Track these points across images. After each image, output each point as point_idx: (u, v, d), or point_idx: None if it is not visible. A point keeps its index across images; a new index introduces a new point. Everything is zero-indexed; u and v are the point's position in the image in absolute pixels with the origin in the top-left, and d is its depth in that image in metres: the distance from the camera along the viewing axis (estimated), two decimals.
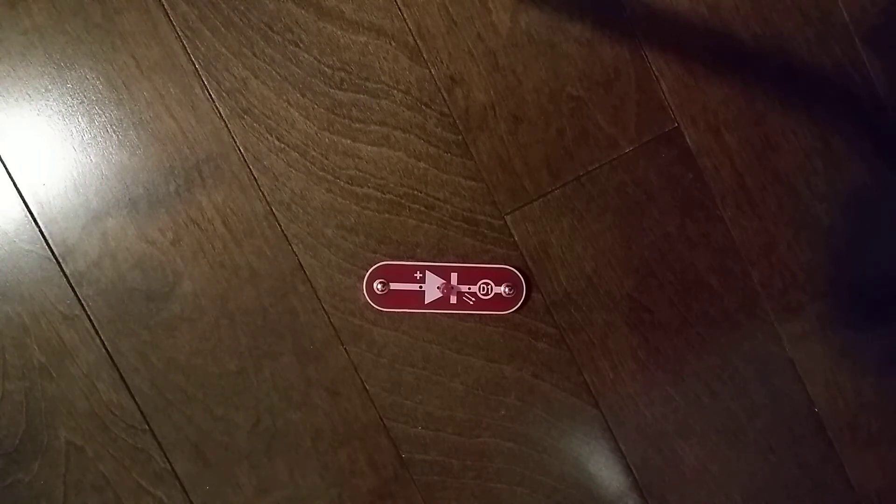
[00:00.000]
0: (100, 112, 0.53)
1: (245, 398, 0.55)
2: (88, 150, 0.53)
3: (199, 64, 0.53)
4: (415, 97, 0.55)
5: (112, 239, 0.54)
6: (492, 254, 0.56)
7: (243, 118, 0.54)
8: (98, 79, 0.53)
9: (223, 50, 0.53)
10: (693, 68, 0.56)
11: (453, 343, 0.56)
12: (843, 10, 0.57)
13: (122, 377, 0.54)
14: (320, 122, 0.54)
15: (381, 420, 0.56)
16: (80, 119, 0.53)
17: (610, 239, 0.56)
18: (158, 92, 0.53)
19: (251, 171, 0.54)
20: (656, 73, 0.56)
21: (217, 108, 0.54)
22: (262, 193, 0.54)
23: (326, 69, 0.54)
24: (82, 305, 0.54)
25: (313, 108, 0.54)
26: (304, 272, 0.55)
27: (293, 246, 0.55)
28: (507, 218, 0.56)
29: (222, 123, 0.54)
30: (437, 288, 0.55)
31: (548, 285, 0.56)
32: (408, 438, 0.56)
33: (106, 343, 0.54)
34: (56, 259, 0.53)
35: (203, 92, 0.54)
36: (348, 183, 0.55)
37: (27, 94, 0.53)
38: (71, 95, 0.53)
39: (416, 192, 0.55)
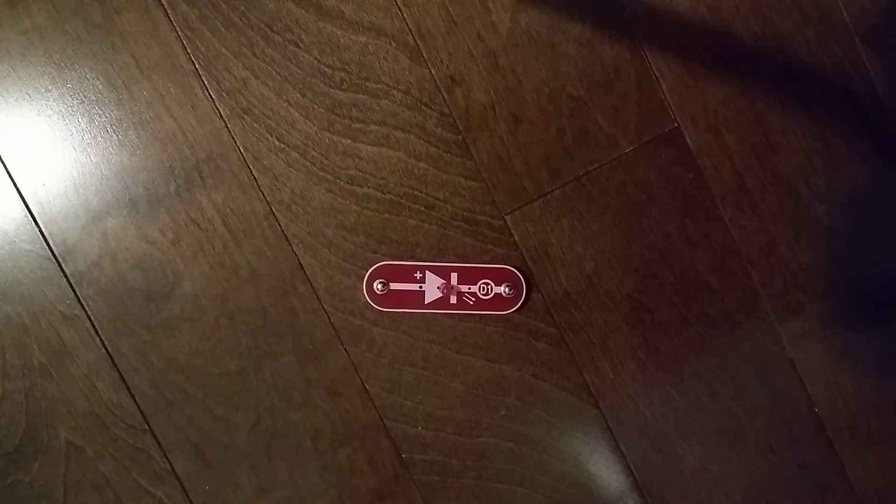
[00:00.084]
0: (100, 112, 0.53)
1: (245, 398, 0.55)
2: (88, 150, 0.53)
3: (199, 64, 0.53)
4: (415, 97, 0.55)
5: (112, 239, 0.54)
6: (492, 254, 0.56)
7: (243, 118, 0.54)
8: (98, 79, 0.53)
9: (223, 50, 0.53)
10: (693, 68, 0.56)
11: (453, 343, 0.56)
12: (843, 10, 0.57)
13: (122, 377, 0.54)
14: (320, 122, 0.54)
15: (381, 420, 0.56)
16: (80, 119, 0.53)
17: (610, 239, 0.56)
18: (158, 92, 0.53)
19: (251, 171, 0.54)
20: (656, 73, 0.56)
21: (217, 108, 0.54)
22: (262, 193, 0.54)
23: (326, 69, 0.54)
24: (82, 305, 0.54)
25: (313, 108, 0.54)
26: (304, 272, 0.55)
27: (293, 246, 0.55)
28: (507, 218, 0.56)
29: (222, 123, 0.54)
30: (437, 288, 0.55)
31: (548, 285, 0.56)
32: (408, 438, 0.56)
33: (106, 343, 0.54)
34: (56, 259, 0.53)
35: (203, 92, 0.54)
36: (348, 183, 0.55)
37: (27, 94, 0.53)
38: (71, 95, 0.53)
39: (416, 192, 0.55)
